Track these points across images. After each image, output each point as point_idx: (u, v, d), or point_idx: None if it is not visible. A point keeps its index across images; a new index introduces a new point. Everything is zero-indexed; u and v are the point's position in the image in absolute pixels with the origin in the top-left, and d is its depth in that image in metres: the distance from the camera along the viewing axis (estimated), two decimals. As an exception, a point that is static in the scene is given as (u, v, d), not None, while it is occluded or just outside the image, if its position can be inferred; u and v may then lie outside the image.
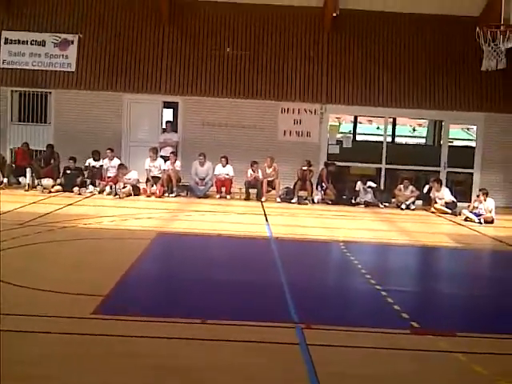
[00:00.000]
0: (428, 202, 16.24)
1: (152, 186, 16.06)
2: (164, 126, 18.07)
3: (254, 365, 4.92)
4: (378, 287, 7.55)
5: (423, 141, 28.92)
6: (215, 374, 4.70)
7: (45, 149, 16.80)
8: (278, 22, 18.21)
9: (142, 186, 16.13)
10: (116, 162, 16.26)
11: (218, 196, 16.31)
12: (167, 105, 18.62)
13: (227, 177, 16.41)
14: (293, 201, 16.06)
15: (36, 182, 16.14)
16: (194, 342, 5.29)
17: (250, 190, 16.46)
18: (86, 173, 16.10)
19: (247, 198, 16.24)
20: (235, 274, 8.16)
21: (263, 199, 16.07)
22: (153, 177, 16.22)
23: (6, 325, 5.43)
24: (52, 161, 16.42)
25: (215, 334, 5.54)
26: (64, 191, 15.64)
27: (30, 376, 4.48)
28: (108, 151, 16.32)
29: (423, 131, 31.07)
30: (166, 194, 16.01)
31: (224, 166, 16.46)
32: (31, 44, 17.86)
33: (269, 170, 16.50)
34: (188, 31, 18.15)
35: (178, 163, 16.48)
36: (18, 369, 4.57)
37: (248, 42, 18.15)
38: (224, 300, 6.81)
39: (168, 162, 16.38)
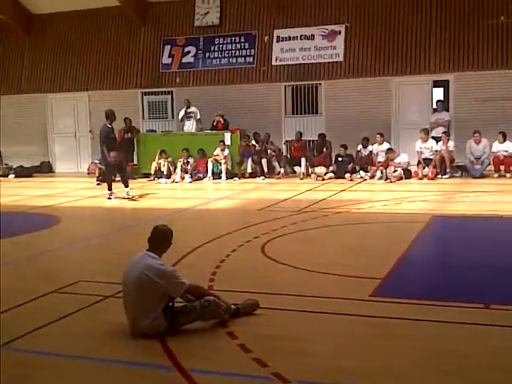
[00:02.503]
0: None
1: (424, 168, 15.65)
2: (435, 106, 17.47)
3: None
4: None
5: None
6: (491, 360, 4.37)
7: (317, 138, 17.45)
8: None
9: (413, 168, 15.83)
10: (385, 146, 16.19)
11: (496, 175, 15.26)
12: (437, 84, 17.97)
13: (506, 154, 15.27)
14: None
15: (310, 170, 16.85)
16: (471, 327, 5.00)
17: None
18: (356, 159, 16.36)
19: (530, 176, 14.92)
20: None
21: (550, 176, 14.62)
22: (424, 159, 15.79)
23: (284, 304, 5.71)
24: (324, 149, 16.96)
25: (497, 319, 5.15)
26: (336, 178, 16.08)
27: (304, 352, 4.63)
28: (378, 136, 16.33)
29: None
30: (439, 176, 15.47)
31: (502, 143, 15.35)
32: (301, 39, 18.66)
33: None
34: (455, 4, 17.28)
35: (450, 143, 15.81)
36: (294, 345, 4.77)
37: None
38: (509, 285, 6.30)
39: (440, 143, 15.81)
